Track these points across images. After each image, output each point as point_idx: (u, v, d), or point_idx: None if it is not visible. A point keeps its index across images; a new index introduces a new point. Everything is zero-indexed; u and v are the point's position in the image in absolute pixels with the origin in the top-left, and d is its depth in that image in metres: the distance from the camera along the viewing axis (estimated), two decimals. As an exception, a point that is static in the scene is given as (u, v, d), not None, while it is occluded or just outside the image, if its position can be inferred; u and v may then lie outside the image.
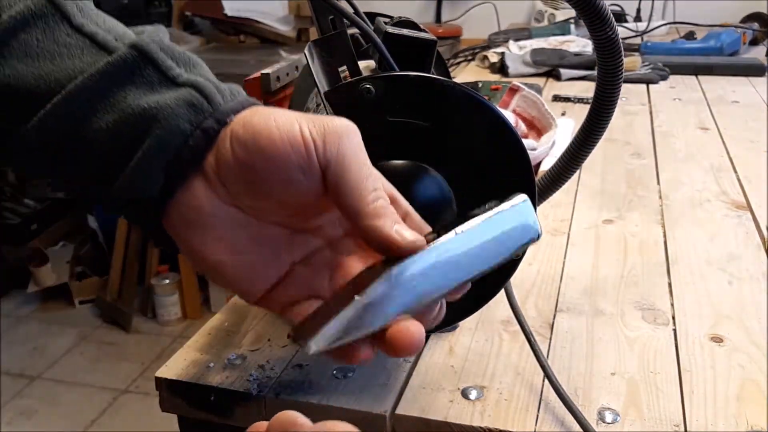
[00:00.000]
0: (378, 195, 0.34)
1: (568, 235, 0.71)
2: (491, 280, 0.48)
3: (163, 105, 0.32)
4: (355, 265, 0.36)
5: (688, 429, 0.44)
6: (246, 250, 0.35)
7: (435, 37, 0.47)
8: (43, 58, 0.32)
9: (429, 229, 0.37)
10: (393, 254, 0.33)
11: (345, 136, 0.33)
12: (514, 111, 0.97)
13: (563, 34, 1.71)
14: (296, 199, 0.34)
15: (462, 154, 0.45)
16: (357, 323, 0.32)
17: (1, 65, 0.32)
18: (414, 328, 0.32)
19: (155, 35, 0.34)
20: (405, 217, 0.36)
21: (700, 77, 1.45)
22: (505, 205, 0.35)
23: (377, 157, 0.44)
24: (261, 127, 0.33)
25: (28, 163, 0.34)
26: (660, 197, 0.81)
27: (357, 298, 0.32)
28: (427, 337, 0.53)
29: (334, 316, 0.32)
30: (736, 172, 0.89)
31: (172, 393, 0.49)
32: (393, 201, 0.36)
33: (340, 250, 0.37)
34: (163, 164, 0.33)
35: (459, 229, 0.34)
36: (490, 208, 0.35)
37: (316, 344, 0.32)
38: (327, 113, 0.45)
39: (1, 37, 0.31)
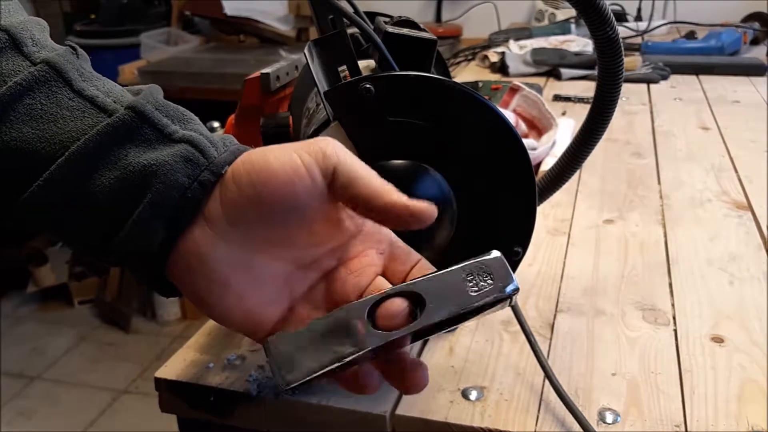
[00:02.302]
0: (383, 182, 0.36)
1: (569, 235, 0.71)
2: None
3: (161, 162, 0.34)
4: (350, 295, 0.38)
5: (688, 429, 0.44)
6: (251, 293, 0.36)
7: (435, 37, 0.47)
8: (47, 121, 0.34)
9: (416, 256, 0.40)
10: (412, 225, 0.36)
11: (338, 145, 0.36)
12: (514, 111, 0.97)
13: (564, 34, 1.70)
14: (304, 223, 0.36)
15: (462, 154, 0.45)
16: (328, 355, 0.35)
17: (7, 128, 0.33)
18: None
19: (150, 95, 0.37)
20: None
21: (700, 77, 1.45)
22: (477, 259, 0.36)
23: (377, 157, 0.44)
24: (261, 164, 0.35)
25: (31, 221, 0.35)
26: (661, 197, 0.81)
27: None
28: (427, 338, 0.53)
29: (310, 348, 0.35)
30: (736, 171, 0.89)
31: (171, 393, 0.49)
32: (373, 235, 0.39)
33: (334, 280, 0.39)
34: (163, 217, 0.35)
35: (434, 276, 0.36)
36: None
37: (293, 377, 0.35)
38: (327, 113, 0.45)
39: (7, 102, 0.33)
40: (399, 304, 0.35)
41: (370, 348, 0.35)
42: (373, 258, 0.39)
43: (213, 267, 0.35)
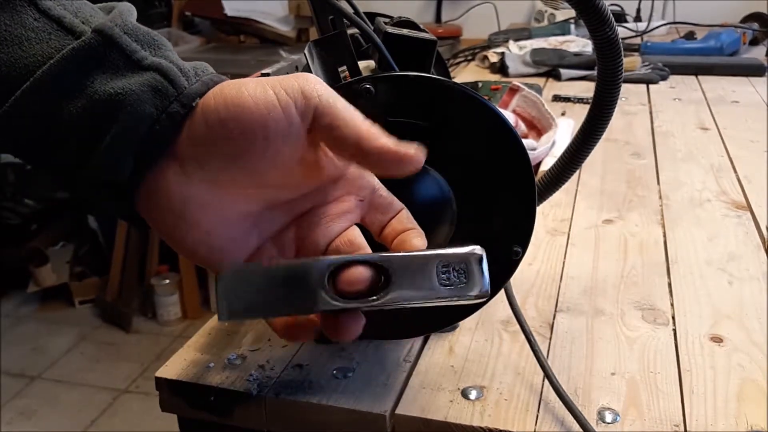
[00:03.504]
0: (369, 123, 0.35)
1: (568, 235, 0.71)
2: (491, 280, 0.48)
3: (128, 91, 0.33)
4: (320, 241, 0.37)
5: (688, 429, 0.44)
6: (218, 232, 0.35)
7: (435, 37, 0.47)
8: (11, 44, 0.32)
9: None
10: (398, 170, 0.35)
11: (318, 83, 0.34)
12: (514, 111, 0.97)
13: (563, 34, 1.71)
14: (277, 165, 0.35)
15: (462, 154, 0.45)
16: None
17: None
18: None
19: (120, 17, 0.34)
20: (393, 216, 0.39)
21: (700, 77, 1.45)
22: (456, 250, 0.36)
23: (377, 157, 0.44)
24: (234, 98, 0.33)
25: (1, 146, 0.34)
26: (660, 197, 0.81)
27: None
28: (427, 337, 0.53)
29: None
30: (736, 172, 0.89)
31: (172, 393, 0.49)
32: (382, 201, 0.39)
33: (306, 224, 0.38)
34: (130, 149, 0.33)
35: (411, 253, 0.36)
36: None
37: (233, 313, 0.34)
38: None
39: None
40: (362, 274, 0.34)
41: (320, 311, 0.34)
42: (351, 205, 0.38)
43: (180, 205, 0.34)
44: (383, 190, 0.39)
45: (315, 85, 0.34)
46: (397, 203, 0.39)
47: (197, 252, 0.36)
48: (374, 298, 0.34)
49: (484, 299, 0.35)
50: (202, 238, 0.35)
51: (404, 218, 0.38)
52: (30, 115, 0.33)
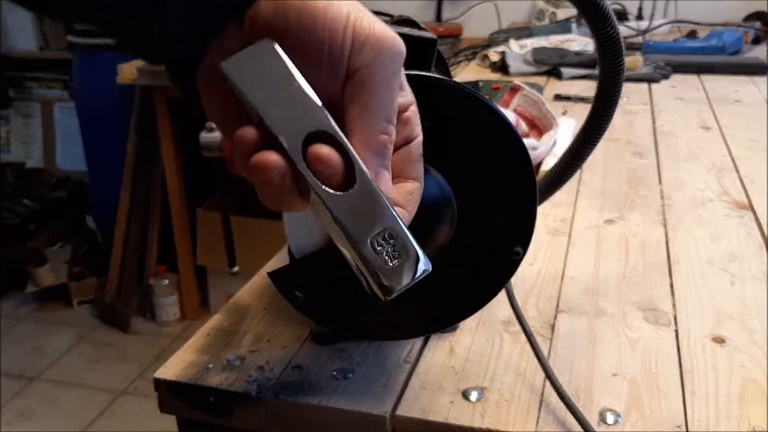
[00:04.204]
0: (386, 130, 0.34)
1: (569, 235, 0.71)
2: (491, 279, 0.48)
3: None
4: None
5: (689, 429, 0.43)
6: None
7: (435, 36, 0.47)
8: None
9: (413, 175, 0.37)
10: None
11: (385, 51, 0.34)
12: (515, 110, 0.96)
13: (564, 33, 1.70)
14: (311, 80, 0.34)
15: (462, 153, 0.45)
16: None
17: None
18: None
19: None
20: (406, 143, 0.37)
21: (701, 76, 1.45)
22: None
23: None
24: (310, 5, 0.33)
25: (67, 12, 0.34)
26: (662, 197, 0.81)
27: None
28: (428, 338, 0.53)
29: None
30: (738, 171, 0.89)
31: (171, 394, 0.49)
32: (407, 122, 0.36)
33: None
34: (198, 18, 0.33)
35: None
36: None
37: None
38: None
39: None
40: (330, 155, 0.32)
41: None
42: None
43: (224, 91, 0.33)
44: (413, 112, 0.37)
45: (380, 51, 0.33)
46: (417, 131, 0.37)
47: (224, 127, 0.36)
48: (338, 193, 0.33)
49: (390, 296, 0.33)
50: (230, 120, 0.35)
51: (411, 154, 0.37)
52: None
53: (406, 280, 0.33)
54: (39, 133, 2.96)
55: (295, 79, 0.33)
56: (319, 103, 0.33)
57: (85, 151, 2.46)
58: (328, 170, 0.32)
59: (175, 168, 2.16)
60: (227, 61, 0.33)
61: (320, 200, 0.32)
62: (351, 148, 0.33)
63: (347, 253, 0.33)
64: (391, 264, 0.33)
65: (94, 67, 2.31)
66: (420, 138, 0.37)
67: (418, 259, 0.33)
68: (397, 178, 0.37)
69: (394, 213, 0.33)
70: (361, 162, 0.33)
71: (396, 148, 0.36)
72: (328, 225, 0.33)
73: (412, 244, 0.33)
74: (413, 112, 0.37)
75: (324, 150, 0.32)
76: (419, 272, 0.33)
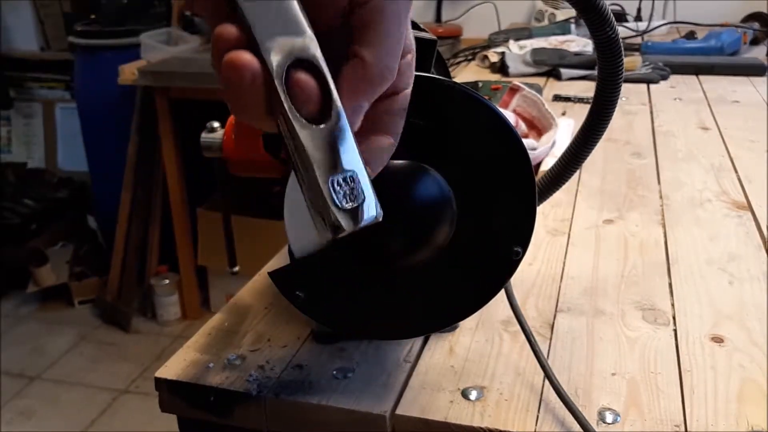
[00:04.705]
0: (386, 68, 0.34)
1: (569, 235, 0.71)
2: (491, 279, 0.48)
3: None
4: None
5: (688, 429, 0.44)
6: None
7: (435, 37, 0.47)
8: None
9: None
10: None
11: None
12: (514, 111, 0.97)
13: (563, 34, 1.70)
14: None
15: (462, 154, 0.45)
16: None
17: None
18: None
19: None
20: (392, 93, 0.36)
21: (700, 77, 1.45)
22: None
23: (377, 157, 0.43)
24: None
25: None
26: (660, 197, 0.81)
27: None
28: (428, 338, 0.53)
29: None
30: (736, 171, 0.89)
31: (171, 393, 0.49)
32: (400, 71, 0.35)
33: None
34: None
35: None
36: None
37: None
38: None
39: None
40: (312, 87, 0.32)
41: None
42: None
43: None
44: (408, 62, 0.37)
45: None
46: (407, 83, 0.37)
47: None
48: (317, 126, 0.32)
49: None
50: None
51: (393, 105, 0.36)
52: None
53: (356, 222, 0.33)
54: (40, 133, 2.97)
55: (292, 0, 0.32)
56: (310, 31, 0.32)
57: (86, 151, 2.47)
58: (303, 96, 0.32)
59: (176, 168, 2.16)
60: None
61: (289, 126, 0.32)
62: (332, 84, 0.33)
63: (305, 186, 0.33)
64: (346, 205, 0.33)
65: (96, 68, 2.31)
66: (407, 92, 0.37)
67: (371, 206, 0.33)
68: (371, 131, 0.36)
69: (360, 159, 0.33)
70: (339, 101, 0.33)
71: (379, 98, 0.35)
72: (292, 154, 0.33)
73: (369, 191, 0.33)
74: (408, 61, 0.36)
75: (304, 76, 0.32)
76: (368, 217, 0.33)
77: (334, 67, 0.33)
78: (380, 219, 0.34)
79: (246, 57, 0.31)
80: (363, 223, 0.33)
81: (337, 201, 0.33)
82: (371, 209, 0.33)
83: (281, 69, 0.32)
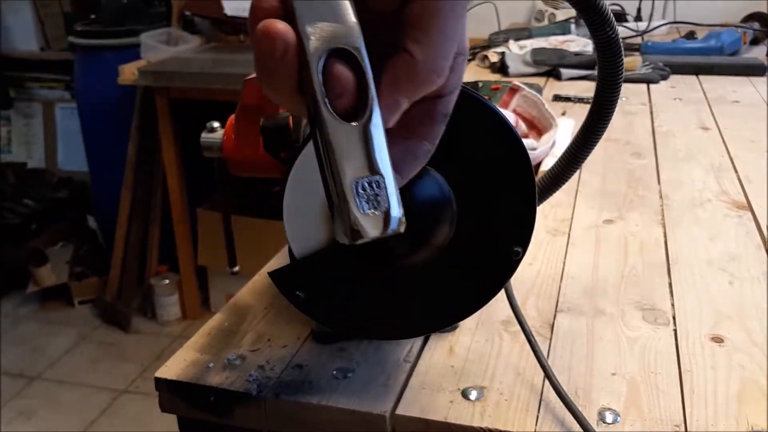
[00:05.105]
0: (437, 68, 0.32)
1: (569, 235, 0.71)
2: (491, 279, 0.48)
3: None
4: None
5: (688, 429, 0.44)
6: None
7: (435, 37, 0.47)
8: None
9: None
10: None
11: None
12: (514, 111, 0.96)
13: (563, 34, 1.70)
14: None
15: (462, 154, 0.45)
16: None
17: None
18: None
19: None
20: (435, 96, 0.34)
21: (700, 77, 1.45)
22: None
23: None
24: None
25: None
26: (660, 197, 0.81)
27: None
28: (428, 338, 0.53)
29: None
30: (736, 171, 0.89)
31: (171, 393, 0.49)
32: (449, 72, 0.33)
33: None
34: None
35: None
36: None
37: None
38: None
39: None
40: (350, 81, 0.30)
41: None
42: None
43: None
44: (459, 63, 0.34)
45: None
46: (454, 85, 0.35)
47: None
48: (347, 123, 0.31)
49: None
50: None
51: (434, 109, 0.35)
52: None
53: (376, 232, 0.31)
54: (40, 133, 2.97)
55: None
56: (355, 19, 0.30)
57: (86, 151, 2.47)
58: (338, 88, 0.30)
59: (176, 168, 2.16)
60: None
61: (318, 117, 0.30)
62: (371, 79, 0.31)
63: (330, 184, 0.31)
64: (368, 211, 0.31)
65: (96, 68, 2.31)
66: (453, 96, 0.34)
67: (394, 217, 0.31)
68: (407, 134, 0.34)
69: (389, 163, 0.31)
70: (375, 99, 0.31)
71: (422, 99, 0.33)
72: (320, 147, 0.31)
73: (395, 200, 0.31)
74: (460, 63, 0.33)
75: (341, 68, 0.30)
76: (390, 229, 0.31)
77: (378, 57, 0.31)
78: (402, 231, 0.32)
79: (280, 26, 0.29)
80: (384, 234, 0.31)
81: (359, 205, 0.31)
82: (395, 220, 0.31)
83: (318, 53, 0.30)
